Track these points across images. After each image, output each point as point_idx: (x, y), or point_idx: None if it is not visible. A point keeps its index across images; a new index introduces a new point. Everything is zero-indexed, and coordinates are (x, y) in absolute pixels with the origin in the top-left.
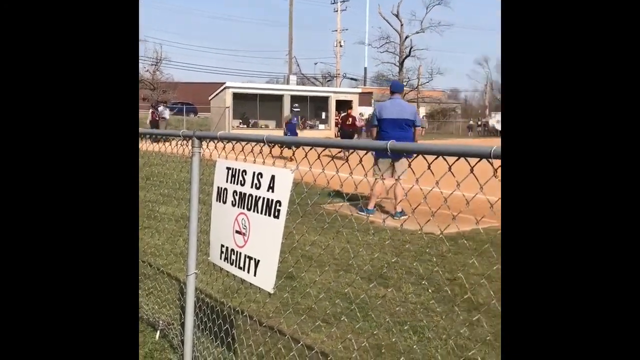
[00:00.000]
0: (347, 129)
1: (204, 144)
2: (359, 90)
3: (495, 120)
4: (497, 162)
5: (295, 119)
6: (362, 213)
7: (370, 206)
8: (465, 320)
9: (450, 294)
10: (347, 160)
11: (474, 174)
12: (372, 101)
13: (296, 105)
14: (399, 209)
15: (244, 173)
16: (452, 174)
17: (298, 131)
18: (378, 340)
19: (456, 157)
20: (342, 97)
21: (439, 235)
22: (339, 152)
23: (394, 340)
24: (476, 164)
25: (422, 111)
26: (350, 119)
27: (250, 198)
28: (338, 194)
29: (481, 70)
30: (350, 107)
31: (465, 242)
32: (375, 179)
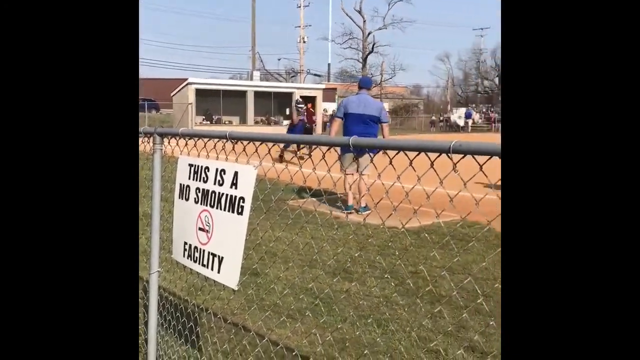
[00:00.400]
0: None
1: (166, 140)
2: (323, 86)
3: (456, 116)
4: (456, 157)
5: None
6: (348, 212)
7: (350, 202)
8: (428, 312)
9: (413, 286)
10: (310, 156)
11: (434, 168)
12: (336, 97)
13: (299, 99)
14: (362, 204)
15: (206, 170)
16: (413, 168)
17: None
18: (342, 334)
19: (416, 152)
20: (306, 93)
21: (401, 229)
22: (302, 147)
23: (357, 333)
24: (436, 158)
25: (386, 107)
26: (307, 113)
27: (213, 195)
28: (302, 190)
29: (442, 66)
30: (310, 102)
31: (427, 235)
32: (345, 175)
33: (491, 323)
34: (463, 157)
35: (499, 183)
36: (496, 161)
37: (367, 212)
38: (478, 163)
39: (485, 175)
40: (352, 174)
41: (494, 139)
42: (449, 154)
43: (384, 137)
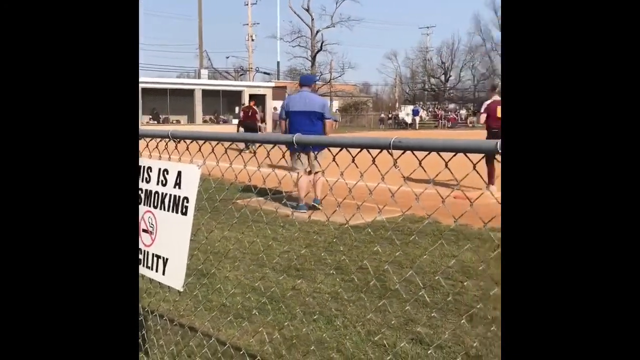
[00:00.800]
0: (249, 122)
1: None
2: (272, 85)
3: (404, 113)
4: (397, 153)
5: None
6: (301, 211)
7: (302, 201)
8: (375, 306)
9: (360, 282)
10: (254, 154)
11: (375, 164)
12: (286, 95)
13: None
14: (318, 197)
15: (149, 170)
16: (356, 165)
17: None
18: (291, 332)
19: (359, 149)
20: (255, 91)
21: (346, 225)
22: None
23: (305, 330)
24: (377, 155)
25: (335, 105)
26: (251, 111)
27: (156, 195)
28: (247, 188)
29: (390, 64)
30: (253, 100)
31: (371, 231)
32: (298, 173)
33: (433, 315)
34: (403, 153)
35: (449, 178)
36: (434, 156)
37: (320, 207)
38: (417, 158)
39: (425, 170)
40: (300, 172)
41: (441, 135)
42: (390, 150)
43: (326, 133)
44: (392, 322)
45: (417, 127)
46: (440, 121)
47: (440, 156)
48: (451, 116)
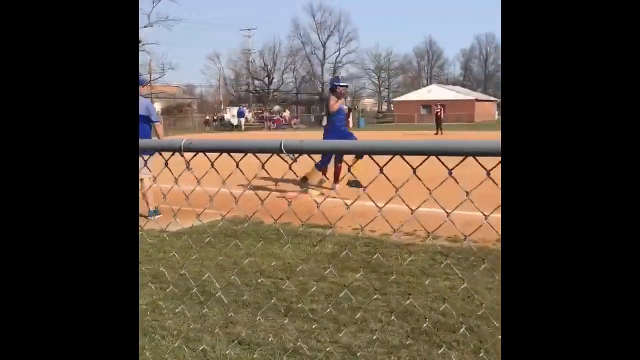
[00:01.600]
0: None
1: None
2: None
3: (230, 115)
4: (188, 155)
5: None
6: (151, 217)
7: (152, 207)
8: (195, 312)
9: (179, 289)
10: None
11: (168, 167)
12: None
13: (336, 76)
14: (152, 208)
15: None
16: (170, 170)
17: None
18: None
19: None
20: None
21: (163, 233)
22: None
23: None
24: (170, 157)
25: (158, 107)
26: None
27: None
28: None
29: (214, 65)
30: None
31: (195, 235)
32: (141, 180)
33: (252, 314)
34: (196, 155)
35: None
36: (225, 157)
37: (158, 216)
38: (209, 160)
39: (218, 172)
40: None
41: (265, 136)
42: (181, 153)
43: (159, 137)
44: (213, 326)
45: (242, 129)
46: (265, 123)
47: (232, 158)
48: (276, 118)
